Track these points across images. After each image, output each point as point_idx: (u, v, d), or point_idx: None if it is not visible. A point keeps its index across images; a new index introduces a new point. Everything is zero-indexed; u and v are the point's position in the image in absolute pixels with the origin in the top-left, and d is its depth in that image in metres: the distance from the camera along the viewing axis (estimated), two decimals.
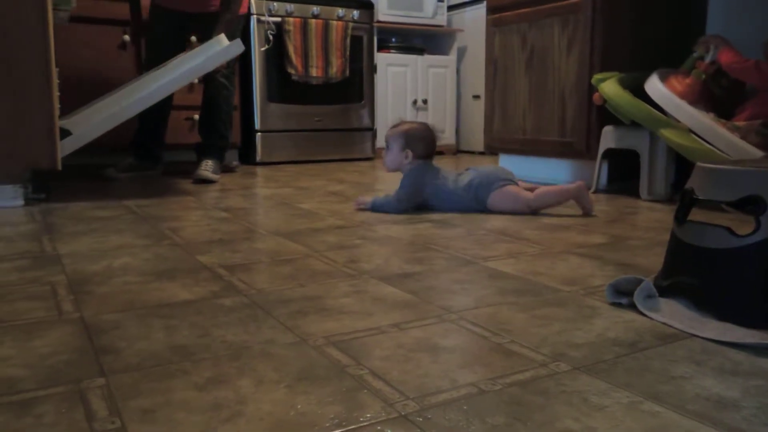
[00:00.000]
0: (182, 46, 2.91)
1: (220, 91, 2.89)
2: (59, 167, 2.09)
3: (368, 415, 0.66)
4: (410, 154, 1.96)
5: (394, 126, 2.04)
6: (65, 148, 2.17)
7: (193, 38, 2.99)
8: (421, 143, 1.97)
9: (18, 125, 2.01)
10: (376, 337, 0.89)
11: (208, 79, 2.87)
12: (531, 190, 1.96)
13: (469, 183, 1.93)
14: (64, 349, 0.84)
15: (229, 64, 2.90)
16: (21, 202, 2.04)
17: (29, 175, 2.06)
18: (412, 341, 0.87)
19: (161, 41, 2.86)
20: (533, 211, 1.92)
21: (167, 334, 0.90)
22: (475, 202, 1.93)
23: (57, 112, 2.08)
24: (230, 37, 2.66)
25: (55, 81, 2.06)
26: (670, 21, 2.57)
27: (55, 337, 0.89)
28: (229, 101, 2.96)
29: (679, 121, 2.08)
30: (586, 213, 1.91)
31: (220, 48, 2.56)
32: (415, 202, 1.95)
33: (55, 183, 2.31)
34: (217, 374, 0.76)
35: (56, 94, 2.08)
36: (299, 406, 0.68)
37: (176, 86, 2.50)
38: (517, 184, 1.97)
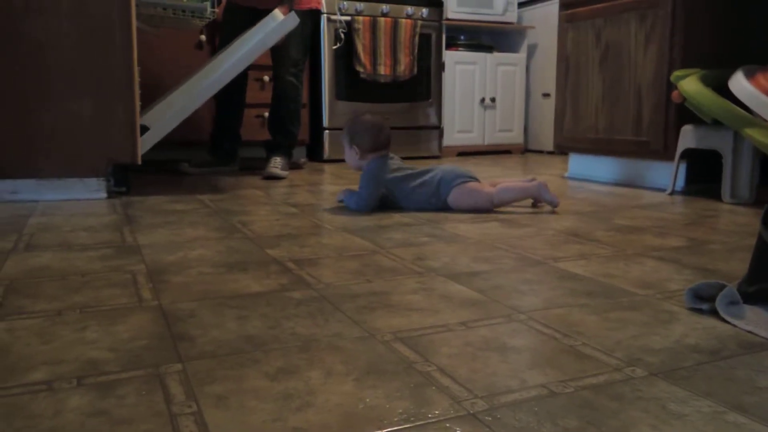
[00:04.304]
0: None
1: (288, 89, 2.95)
2: (139, 162, 2.18)
3: (436, 412, 0.66)
4: (357, 149, 1.90)
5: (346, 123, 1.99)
6: (145, 143, 2.27)
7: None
8: (365, 136, 1.89)
9: (102, 122, 2.11)
10: (444, 334, 0.88)
11: (277, 78, 2.93)
12: (493, 185, 1.94)
13: (431, 178, 1.88)
14: (143, 335, 0.88)
15: (299, 63, 2.95)
16: (104, 194, 2.14)
17: (111, 169, 2.16)
18: (480, 340, 0.86)
19: (232, 37, 2.93)
20: (495, 206, 1.87)
21: (239, 324, 0.92)
22: (436, 198, 1.87)
23: (138, 110, 2.18)
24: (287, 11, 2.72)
25: (137, 79, 2.16)
26: (757, 14, 2.44)
27: (136, 323, 0.93)
28: (298, 99, 3.01)
29: (766, 121, 1.97)
30: (553, 206, 1.92)
31: (276, 23, 2.62)
32: (376, 199, 1.88)
33: (134, 177, 2.42)
34: (287, 365, 0.78)
35: (137, 92, 2.17)
36: (367, 400, 0.68)
37: (240, 67, 2.56)
38: (479, 182, 1.93)
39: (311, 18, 3.01)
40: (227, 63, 2.57)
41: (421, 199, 1.90)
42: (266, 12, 2.89)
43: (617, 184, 2.64)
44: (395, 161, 1.95)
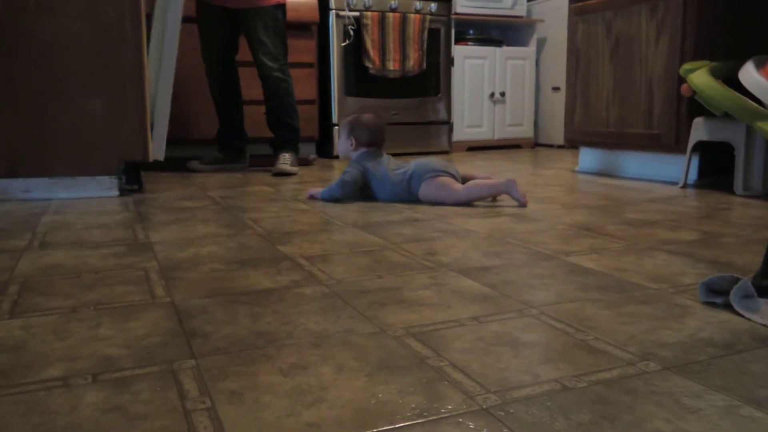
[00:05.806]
0: (234, 41, 2.96)
1: (279, 85, 2.91)
2: (150, 159, 2.20)
3: (449, 407, 0.66)
4: (354, 141, 2.05)
5: (347, 116, 2.15)
6: (159, 138, 2.26)
7: None
8: (365, 131, 2.05)
9: (114, 120, 2.13)
10: (456, 329, 0.88)
11: (264, 77, 2.89)
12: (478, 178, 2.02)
13: (404, 173, 1.99)
14: (157, 331, 0.88)
15: (280, 57, 2.91)
16: (116, 192, 2.16)
17: (123, 167, 2.18)
18: (491, 335, 0.86)
19: (210, 36, 2.91)
20: (460, 203, 1.93)
21: (252, 320, 0.93)
22: (408, 193, 1.98)
23: (149, 108, 2.19)
24: None
25: (147, 78, 2.17)
26: None
27: (149, 319, 0.93)
28: (290, 91, 2.97)
29: None
30: (521, 205, 1.90)
31: None
32: (358, 186, 2.00)
33: (145, 175, 2.43)
34: (299, 360, 0.78)
35: (148, 90, 2.18)
36: (380, 395, 0.69)
37: (178, 18, 2.40)
38: (453, 176, 1.97)
39: (281, 11, 2.95)
40: (168, 22, 2.40)
41: (396, 192, 2.00)
42: (237, 11, 2.86)
43: (628, 177, 2.62)
44: (381, 154, 2.07)
